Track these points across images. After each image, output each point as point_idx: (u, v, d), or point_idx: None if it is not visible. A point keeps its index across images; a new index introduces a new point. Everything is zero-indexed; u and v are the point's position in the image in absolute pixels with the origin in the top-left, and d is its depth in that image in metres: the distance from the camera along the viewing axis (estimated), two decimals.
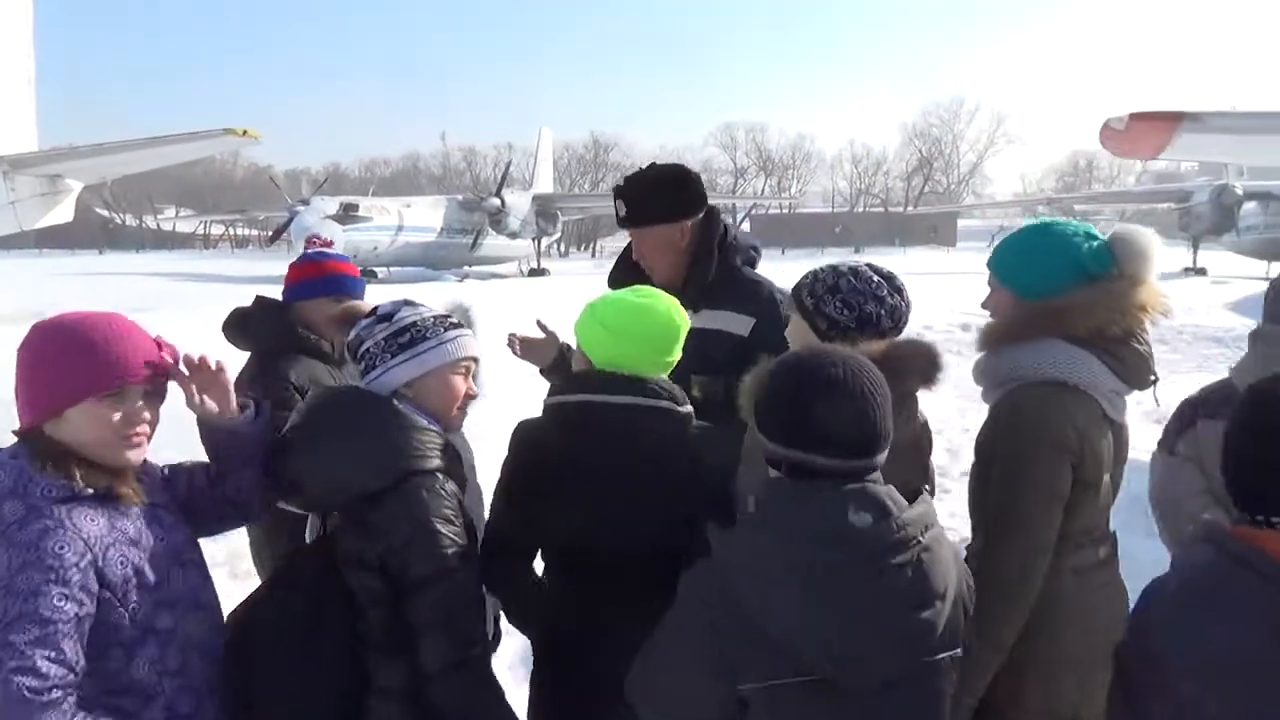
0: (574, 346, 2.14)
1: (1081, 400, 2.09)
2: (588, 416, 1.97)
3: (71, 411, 1.68)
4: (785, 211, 71.40)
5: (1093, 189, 73.61)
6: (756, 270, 2.90)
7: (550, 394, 2.07)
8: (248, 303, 3.21)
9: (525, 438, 2.05)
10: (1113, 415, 2.14)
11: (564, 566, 2.05)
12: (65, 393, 1.67)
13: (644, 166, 2.89)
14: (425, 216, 38.94)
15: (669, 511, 1.92)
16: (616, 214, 2.84)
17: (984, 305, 2.30)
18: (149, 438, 1.77)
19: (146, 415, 1.74)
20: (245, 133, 17.45)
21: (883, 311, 2.10)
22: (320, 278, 3.12)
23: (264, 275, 36.32)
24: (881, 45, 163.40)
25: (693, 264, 2.77)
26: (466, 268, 39.36)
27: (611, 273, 3.02)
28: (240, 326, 3.12)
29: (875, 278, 2.13)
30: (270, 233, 44.58)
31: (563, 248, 63.62)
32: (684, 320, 2.07)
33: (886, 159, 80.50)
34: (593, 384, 2.01)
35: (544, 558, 2.10)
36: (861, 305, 2.09)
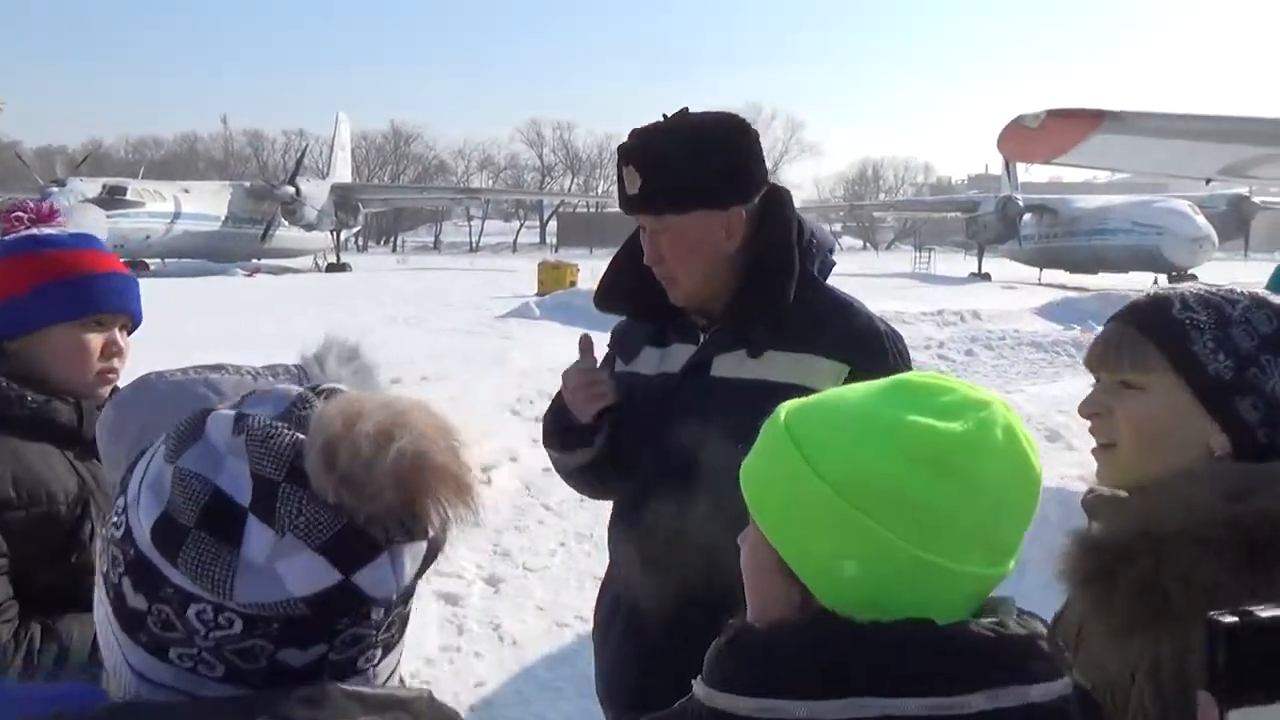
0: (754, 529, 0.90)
1: None
2: None
3: None
4: (593, 211, 70.86)
5: (879, 197, 78.10)
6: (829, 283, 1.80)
7: (752, 682, 0.82)
8: None
9: None
10: None
11: None
12: None
13: (668, 114, 1.69)
14: (208, 203, 35.39)
15: None
16: (621, 190, 1.69)
17: None
18: None
19: None
20: None
21: None
22: (54, 285, 1.62)
23: None
24: (685, 48, 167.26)
25: (749, 277, 1.68)
26: (256, 260, 36.02)
27: (600, 287, 1.85)
28: None
29: None
30: None
31: (361, 241, 59.94)
32: (1035, 453, 0.88)
33: None
34: (891, 658, 0.80)
35: None
36: None
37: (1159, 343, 1.11)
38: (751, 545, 0.90)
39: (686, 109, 1.70)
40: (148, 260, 33.50)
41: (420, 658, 3.97)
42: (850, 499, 0.82)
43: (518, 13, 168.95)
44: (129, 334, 1.71)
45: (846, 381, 1.67)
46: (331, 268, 37.77)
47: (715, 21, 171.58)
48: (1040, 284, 31.32)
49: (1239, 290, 1.15)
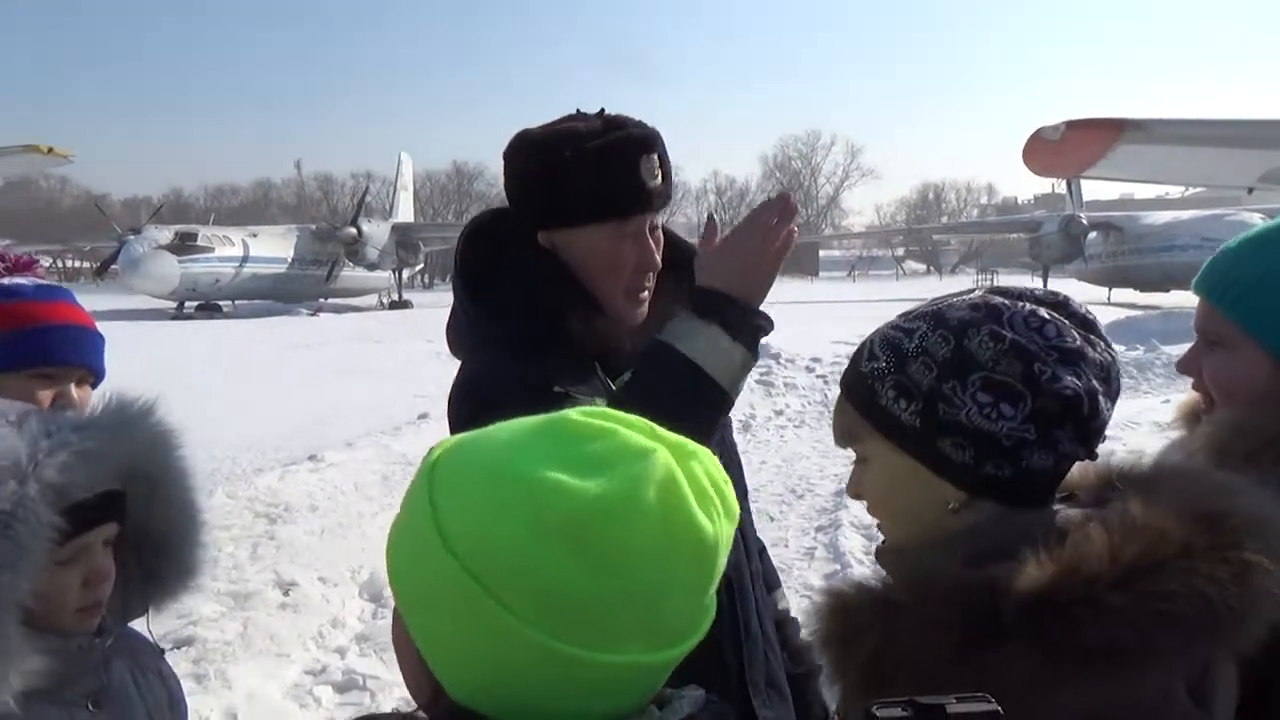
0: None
1: None
2: None
3: None
4: None
5: (941, 220, 76.91)
6: None
7: None
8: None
9: None
10: None
11: None
12: None
13: (583, 110, 1.58)
14: (274, 246, 36.59)
15: None
16: (638, 183, 1.48)
17: (1184, 368, 1.33)
18: None
19: None
20: (51, 151, 15.45)
21: (1098, 400, 0.97)
22: (2, 335, 1.56)
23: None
24: (741, 79, 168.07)
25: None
26: (321, 300, 37.13)
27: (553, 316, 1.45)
28: None
29: (1048, 315, 0.99)
30: (97, 265, 41.22)
31: (427, 279, 61.26)
32: (713, 509, 0.73)
33: (749, 190, 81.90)
34: None
35: None
36: (1040, 386, 0.94)
37: (858, 407, 1.01)
38: (395, 617, 0.77)
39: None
40: (220, 303, 34.90)
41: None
42: (476, 574, 0.68)
43: (570, 46, 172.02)
44: (92, 387, 1.65)
45: None
46: (394, 305, 38.72)
47: (771, 51, 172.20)
48: (1109, 304, 30.41)
49: (943, 306, 1.01)
